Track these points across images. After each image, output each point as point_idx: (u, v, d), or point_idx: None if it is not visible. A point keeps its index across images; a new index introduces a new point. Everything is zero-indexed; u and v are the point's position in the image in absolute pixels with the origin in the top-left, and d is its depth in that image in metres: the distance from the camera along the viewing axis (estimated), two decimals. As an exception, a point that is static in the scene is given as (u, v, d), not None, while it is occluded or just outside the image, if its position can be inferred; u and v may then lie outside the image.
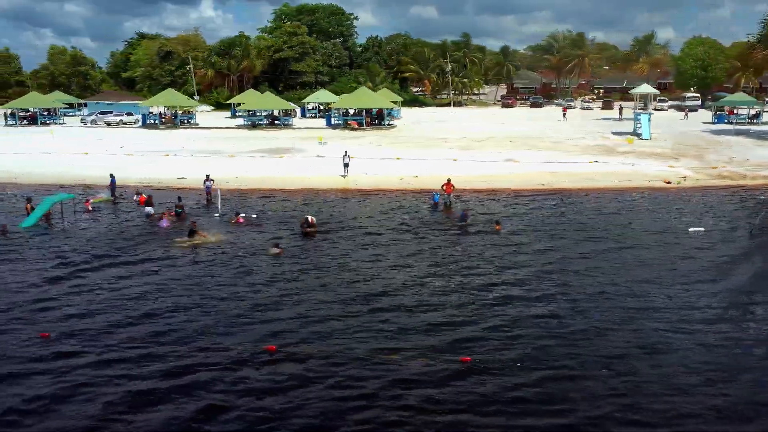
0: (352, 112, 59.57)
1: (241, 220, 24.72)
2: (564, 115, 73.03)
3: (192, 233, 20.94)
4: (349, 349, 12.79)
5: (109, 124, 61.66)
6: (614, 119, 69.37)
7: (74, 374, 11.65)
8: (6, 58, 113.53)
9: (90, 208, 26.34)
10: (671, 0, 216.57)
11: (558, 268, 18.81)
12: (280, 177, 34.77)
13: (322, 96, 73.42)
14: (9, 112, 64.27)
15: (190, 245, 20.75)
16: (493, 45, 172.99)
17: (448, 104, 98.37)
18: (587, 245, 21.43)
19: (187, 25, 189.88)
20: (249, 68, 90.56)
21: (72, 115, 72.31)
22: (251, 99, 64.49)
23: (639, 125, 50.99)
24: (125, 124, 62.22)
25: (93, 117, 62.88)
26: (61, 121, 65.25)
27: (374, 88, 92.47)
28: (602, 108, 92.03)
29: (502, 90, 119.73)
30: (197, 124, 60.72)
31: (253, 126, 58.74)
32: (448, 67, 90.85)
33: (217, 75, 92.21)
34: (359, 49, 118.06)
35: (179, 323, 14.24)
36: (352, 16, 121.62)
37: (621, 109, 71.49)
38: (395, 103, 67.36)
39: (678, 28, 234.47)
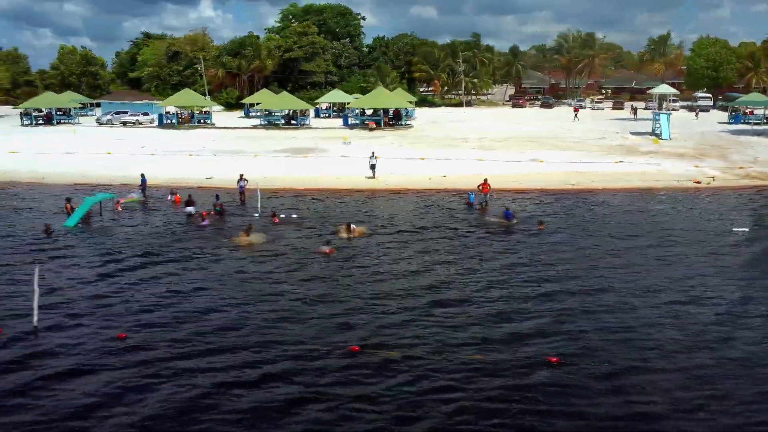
0: (369, 112, 59.58)
1: (277, 220, 24.73)
2: (576, 115, 73.02)
3: (247, 232, 20.81)
4: (431, 348, 12.80)
5: (125, 123, 61.67)
6: (629, 119, 69.40)
7: (152, 367, 11.70)
8: (14, 57, 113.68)
9: (120, 209, 26.24)
10: (671, 0, 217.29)
11: (609, 264, 18.87)
12: (307, 177, 34.73)
13: (335, 96, 73.45)
14: (24, 111, 64.24)
15: (243, 244, 20.64)
16: (494, 45, 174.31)
17: (457, 104, 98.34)
18: (632, 243, 21.44)
19: (187, 24, 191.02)
20: (260, 68, 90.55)
21: (85, 115, 72.39)
22: (267, 99, 64.48)
23: (658, 125, 51.02)
24: (141, 124, 62.23)
25: (109, 117, 62.87)
26: (76, 121, 65.23)
27: (386, 88, 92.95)
28: (613, 108, 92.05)
29: (510, 90, 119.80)
30: (213, 124, 60.76)
31: (270, 126, 58.74)
32: (461, 68, 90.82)
33: (228, 75, 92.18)
34: (366, 50, 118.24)
35: (242, 319, 14.27)
36: (359, 16, 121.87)
37: (635, 109, 71.42)
38: (411, 103, 67.36)
39: (677, 28, 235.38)
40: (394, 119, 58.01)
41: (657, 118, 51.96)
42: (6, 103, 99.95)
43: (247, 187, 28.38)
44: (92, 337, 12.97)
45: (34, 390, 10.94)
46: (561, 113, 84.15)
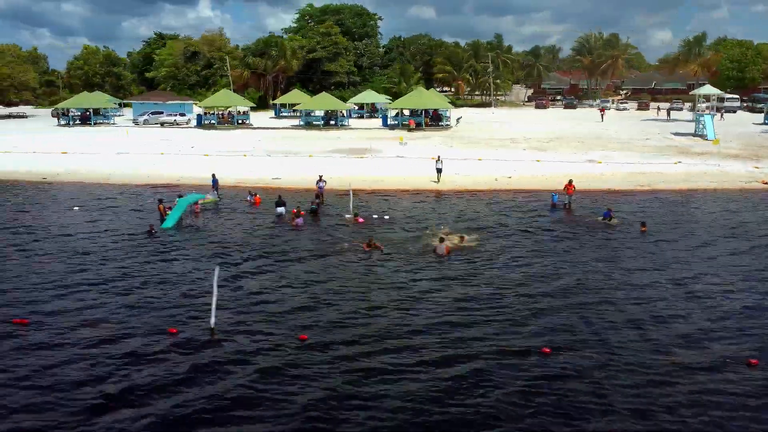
0: (407, 112, 59.68)
1: (361, 220, 24.78)
2: (602, 116, 73.08)
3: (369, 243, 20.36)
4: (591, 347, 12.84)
5: (162, 124, 61.73)
6: (661, 120, 69.49)
7: (337, 365, 11.77)
8: (35, 57, 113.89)
9: (198, 210, 26.22)
10: (669, 1, 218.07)
11: (729, 263, 18.92)
12: (373, 177, 34.71)
13: (367, 96, 73.46)
14: (61, 111, 64.36)
15: (357, 246, 20.38)
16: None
17: (478, 105, 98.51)
18: (735, 243, 21.46)
19: (185, 24, 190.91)
20: (285, 68, 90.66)
21: (116, 116, 72.44)
22: (304, 99, 64.49)
23: (702, 126, 51.08)
24: (178, 124, 62.31)
25: (145, 117, 62.95)
26: (112, 122, 65.33)
27: (408, 89, 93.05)
28: (638, 109, 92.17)
29: (527, 91, 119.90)
30: (251, 125, 60.83)
31: (310, 126, 58.80)
32: (490, 68, 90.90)
33: (252, 75, 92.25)
34: (382, 50, 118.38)
35: (413, 319, 14.25)
36: (375, 17, 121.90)
37: (669, 110, 71.44)
38: (451, 104, 67.56)
39: (676, 28, 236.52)
40: (434, 120, 58.08)
41: (701, 118, 51.98)
42: (27, 102, 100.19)
43: (326, 187, 28.42)
44: (271, 338, 13.00)
45: (227, 392, 11.03)
46: (587, 114, 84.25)
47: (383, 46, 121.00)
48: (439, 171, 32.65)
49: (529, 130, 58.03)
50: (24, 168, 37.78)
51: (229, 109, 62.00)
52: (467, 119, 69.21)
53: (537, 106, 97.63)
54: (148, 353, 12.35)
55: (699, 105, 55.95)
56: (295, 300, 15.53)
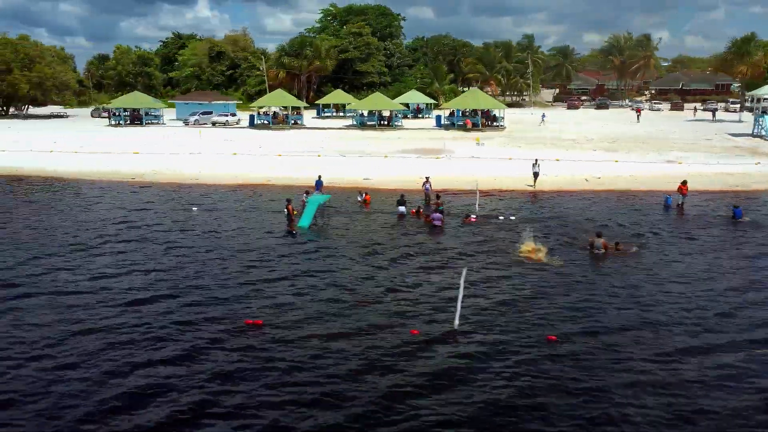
0: (446, 112, 59.86)
1: (473, 219, 24.93)
2: (638, 116, 73.29)
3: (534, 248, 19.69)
4: None
5: (214, 124, 61.82)
6: (703, 120, 69.74)
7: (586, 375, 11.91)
8: (62, 57, 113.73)
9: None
10: (666, 1, 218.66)
11: None
12: (457, 177, 34.81)
13: (412, 96, 73.55)
14: (111, 111, 64.52)
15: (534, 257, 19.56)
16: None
17: (509, 105, 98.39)
18: None
19: (184, 24, 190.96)
20: (321, 68, 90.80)
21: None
22: (347, 99, 64.67)
23: (761, 126, 51.27)
24: (230, 124, 62.43)
25: (196, 117, 63.04)
26: (162, 122, 65.44)
27: (440, 89, 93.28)
28: (671, 109, 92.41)
29: (554, 91, 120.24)
30: (304, 125, 60.95)
31: (365, 126, 58.92)
32: (530, 69, 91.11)
33: (287, 75, 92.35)
34: (406, 50, 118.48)
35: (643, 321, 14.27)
36: (399, 17, 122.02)
37: (714, 111, 71.61)
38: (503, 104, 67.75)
39: (674, 29, 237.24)
40: (488, 120, 58.27)
41: (760, 119, 52.16)
42: (56, 103, 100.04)
43: (430, 189, 28.53)
44: (516, 340, 13.13)
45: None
46: (621, 114, 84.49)
47: (407, 46, 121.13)
48: (536, 175, 32.20)
49: (578, 130, 58.27)
50: (109, 168, 37.89)
51: (273, 108, 62.04)
52: (512, 119, 69.28)
53: (569, 107, 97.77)
54: (393, 354, 12.45)
55: (759, 106, 56.04)
56: (522, 303, 15.36)
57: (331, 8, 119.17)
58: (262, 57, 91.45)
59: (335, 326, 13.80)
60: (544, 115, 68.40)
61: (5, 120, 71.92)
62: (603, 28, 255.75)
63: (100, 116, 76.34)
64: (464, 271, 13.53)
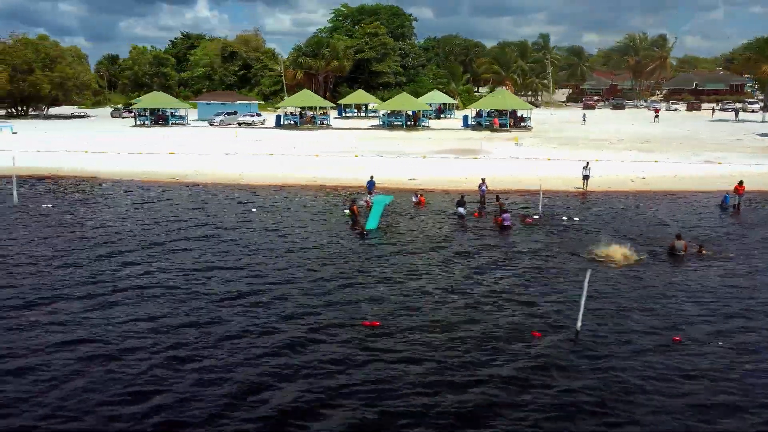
0: (469, 112, 59.91)
1: (530, 220, 24.98)
2: (656, 116, 73.35)
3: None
4: None
5: (240, 124, 61.86)
6: (725, 121, 69.80)
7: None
8: (80, 57, 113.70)
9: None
10: (664, 2, 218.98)
11: None
12: (502, 178, 34.73)
13: (434, 97, 73.59)
14: (137, 111, 64.60)
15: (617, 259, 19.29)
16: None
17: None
18: None
19: (182, 24, 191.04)
20: (338, 69, 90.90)
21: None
22: (369, 99, 64.72)
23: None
24: (255, 124, 62.49)
25: (221, 117, 63.08)
26: (186, 122, 65.48)
27: (457, 89, 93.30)
28: (688, 109, 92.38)
29: (567, 91, 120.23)
30: (330, 125, 61.00)
31: (392, 126, 58.95)
32: (549, 69, 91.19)
33: (304, 76, 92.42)
34: (420, 50, 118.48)
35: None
36: (411, 17, 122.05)
37: (737, 111, 71.73)
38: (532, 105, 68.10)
39: (673, 30, 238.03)
40: (517, 121, 58.34)
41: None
42: (71, 103, 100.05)
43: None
44: (640, 339, 13.17)
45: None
46: (638, 114, 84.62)
47: (419, 46, 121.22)
48: (585, 178, 31.95)
49: (603, 130, 58.39)
50: (150, 168, 37.92)
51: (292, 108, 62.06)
52: (538, 120, 69.30)
53: (585, 107, 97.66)
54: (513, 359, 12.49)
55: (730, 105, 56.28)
56: (635, 304, 15.37)
57: (342, 8, 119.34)
58: (281, 57, 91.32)
59: (455, 330, 13.74)
60: (585, 116, 69.00)
61: (27, 120, 71.91)
62: (603, 29, 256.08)
63: (120, 116, 76.44)
64: (588, 273, 13.54)
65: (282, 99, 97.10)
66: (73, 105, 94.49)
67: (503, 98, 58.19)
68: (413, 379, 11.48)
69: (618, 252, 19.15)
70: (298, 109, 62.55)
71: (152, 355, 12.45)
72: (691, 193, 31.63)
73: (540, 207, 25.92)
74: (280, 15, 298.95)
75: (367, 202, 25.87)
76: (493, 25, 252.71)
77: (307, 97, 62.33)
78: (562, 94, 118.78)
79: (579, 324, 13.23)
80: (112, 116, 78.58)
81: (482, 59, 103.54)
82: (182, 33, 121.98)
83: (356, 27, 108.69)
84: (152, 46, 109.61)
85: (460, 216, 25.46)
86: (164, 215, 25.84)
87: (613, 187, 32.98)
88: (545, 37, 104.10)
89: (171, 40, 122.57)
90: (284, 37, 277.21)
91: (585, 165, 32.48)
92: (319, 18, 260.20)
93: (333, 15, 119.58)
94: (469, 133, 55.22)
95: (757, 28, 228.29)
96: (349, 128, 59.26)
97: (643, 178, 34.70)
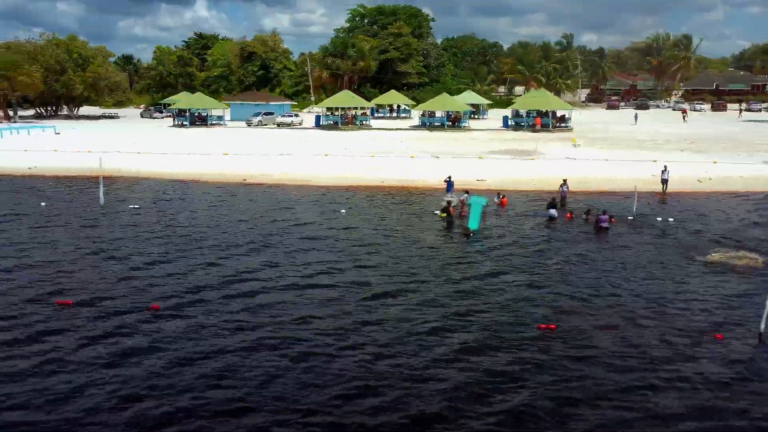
0: (502, 113, 60.14)
1: (613, 221, 25.08)
2: (684, 117, 73.57)
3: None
4: None
5: (279, 125, 62.00)
6: (756, 121, 69.99)
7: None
8: (108, 57, 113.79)
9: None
10: (663, 2, 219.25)
11: None
12: (573, 177, 34.76)
13: (469, 97, 73.73)
14: (176, 112, 64.74)
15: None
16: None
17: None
18: None
19: (181, 24, 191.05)
20: (364, 69, 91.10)
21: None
22: (402, 100, 64.78)
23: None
24: (294, 125, 62.62)
25: (259, 118, 63.21)
26: (224, 123, 65.60)
27: (481, 89, 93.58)
28: (712, 110, 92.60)
29: (586, 92, 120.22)
30: (370, 126, 61.13)
31: (432, 127, 59.09)
32: (579, 69, 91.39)
33: (330, 76, 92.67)
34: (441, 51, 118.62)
35: None
36: (429, 18, 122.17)
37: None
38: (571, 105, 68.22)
39: (673, 30, 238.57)
40: (558, 121, 58.50)
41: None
42: (92, 103, 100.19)
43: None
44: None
45: None
46: (665, 115, 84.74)
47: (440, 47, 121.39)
48: (664, 182, 31.70)
49: (644, 130, 58.54)
50: (212, 169, 37.99)
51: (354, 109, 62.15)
52: (575, 120, 69.23)
53: (609, 107, 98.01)
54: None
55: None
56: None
57: (359, 8, 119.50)
58: (308, 58, 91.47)
59: (631, 334, 13.83)
60: (636, 116, 69.37)
61: (61, 121, 71.91)
62: (602, 29, 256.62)
63: (151, 117, 76.56)
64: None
65: (304, 99, 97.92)
66: (94, 105, 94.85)
67: (546, 98, 58.29)
68: (616, 383, 11.67)
69: (743, 258, 19.12)
70: (339, 110, 62.57)
71: (356, 350, 12.76)
72: (765, 194, 31.74)
73: (635, 208, 26.05)
74: (279, 15, 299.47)
75: (462, 202, 25.95)
76: (492, 26, 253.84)
77: (348, 97, 62.39)
78: (582, 94, 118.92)
79: (762, 326, 13.35)
80: (141, 116, 78.69)
81: (506, 59, 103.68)
82: (195, 33, 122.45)
83: (374, 26, 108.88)
84: (175, 46, 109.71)
85: (551, 218, 25.54)
86: (258, 215, 25.96)
87: (682, 188, 33.10)
88: (569, 37, 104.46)
89: (185, 41, 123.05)
90: (284, 36, 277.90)
91: (663, 168, 32.35)
92: (319, 18, 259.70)
93: (350, 15, 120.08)
94: (512, 133, 55.33)
95: (758, 28, 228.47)
96: (390, 128, 59.35)
97: (710, 179, 34.82)
